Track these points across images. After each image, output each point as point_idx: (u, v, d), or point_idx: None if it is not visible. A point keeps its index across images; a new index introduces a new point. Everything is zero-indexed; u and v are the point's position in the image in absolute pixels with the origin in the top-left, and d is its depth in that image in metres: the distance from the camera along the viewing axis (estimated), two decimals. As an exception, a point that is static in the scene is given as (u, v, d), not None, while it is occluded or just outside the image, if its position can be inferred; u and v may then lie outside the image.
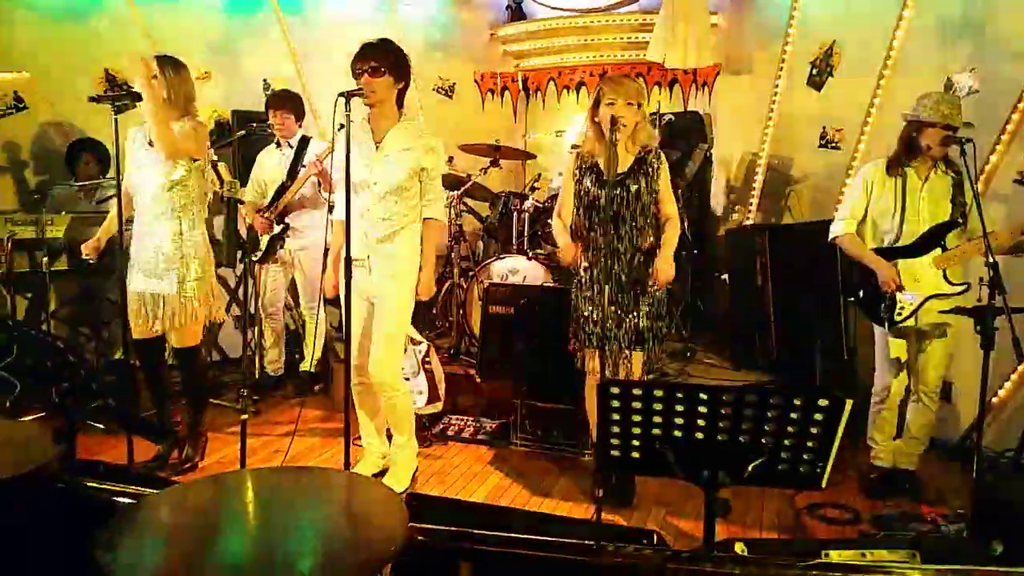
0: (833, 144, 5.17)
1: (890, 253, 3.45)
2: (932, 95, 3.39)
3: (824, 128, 5.20)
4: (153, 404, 3.84)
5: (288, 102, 4.75)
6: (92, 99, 3.39)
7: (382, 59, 3.24)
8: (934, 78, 4.26)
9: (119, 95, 3.37)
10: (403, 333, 3.55)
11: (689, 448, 1.98)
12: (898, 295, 3.39)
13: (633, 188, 3.32)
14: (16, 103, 5.17)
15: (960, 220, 3.36)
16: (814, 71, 5.26)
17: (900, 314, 3.39)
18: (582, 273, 3.48)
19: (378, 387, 3.49)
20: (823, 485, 1.97)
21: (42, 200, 4.60)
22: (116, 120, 3.26)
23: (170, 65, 3.48)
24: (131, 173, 3.56)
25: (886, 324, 3.43)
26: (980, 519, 2.92)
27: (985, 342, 2.90)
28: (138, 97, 3.40)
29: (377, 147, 3.36)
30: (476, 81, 6.68)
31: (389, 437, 3.69)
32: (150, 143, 3.50)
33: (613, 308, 3.32)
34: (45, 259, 4.46)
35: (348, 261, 3.13)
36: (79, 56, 5.32)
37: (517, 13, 6.60)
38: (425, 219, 3.46)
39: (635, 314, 3.36)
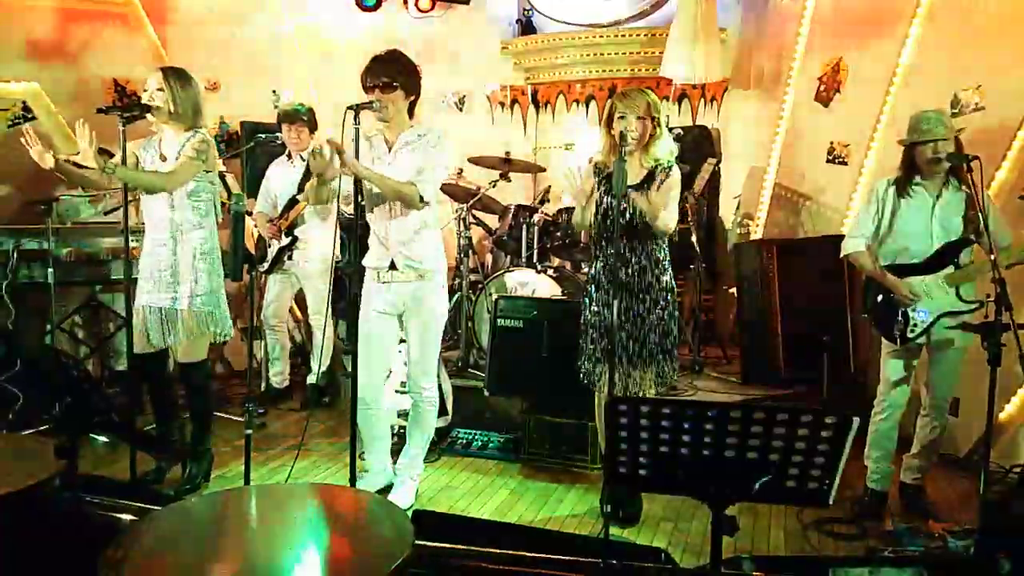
0: (840, 160, 5.17)
1: (903, 270, 3.43)
2: (918, 114, 3.39)
3: (831, 144, 5.20)
4: (156, 418, 3.83)
5: (302, 116, 4.76)
6: (100, 110, 3.36)
7: (393, 73, 3.23)
8: (941, 94, 4.26)
9: (128, 106, 3.35)
10: (438, 341, 3.54)
11: (696, 465, 1.97)
12: (910, 312, 3.37)
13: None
14: (24, 113, 5.21)
15: (973, 237, 3.34)
16: (821, 87, 5.27)
17: (913, 331, 3.38)
18: (591, 285, 3.48)
19: (413, 393, 3.55)
20: (830, 502, 1.96)
21: (48, 211, 4.60)
22: (124, 131, 3.25)
23: (175, 77, 3.47)
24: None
25: (898, 340, 3.41)
26: (987, 535, 2.91)
27: (992, 358, 2.89)
28: (147, 109, 3.41)
29: (390, 150, 3.36)
30: (486, 95, 6.70)
31: (394, 453, 3.69)
32: (162, 156, 3.51)
33: (621, 320, 3.30)
34: (50, 270, 4.46)
35: (360, 276, 3.12)
36: (88, 66, 5.36)
37: (527, 27, 6.62)
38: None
39: (644, 329, 3.35)
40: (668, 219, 3.25)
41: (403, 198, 3.25)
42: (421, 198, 3.26)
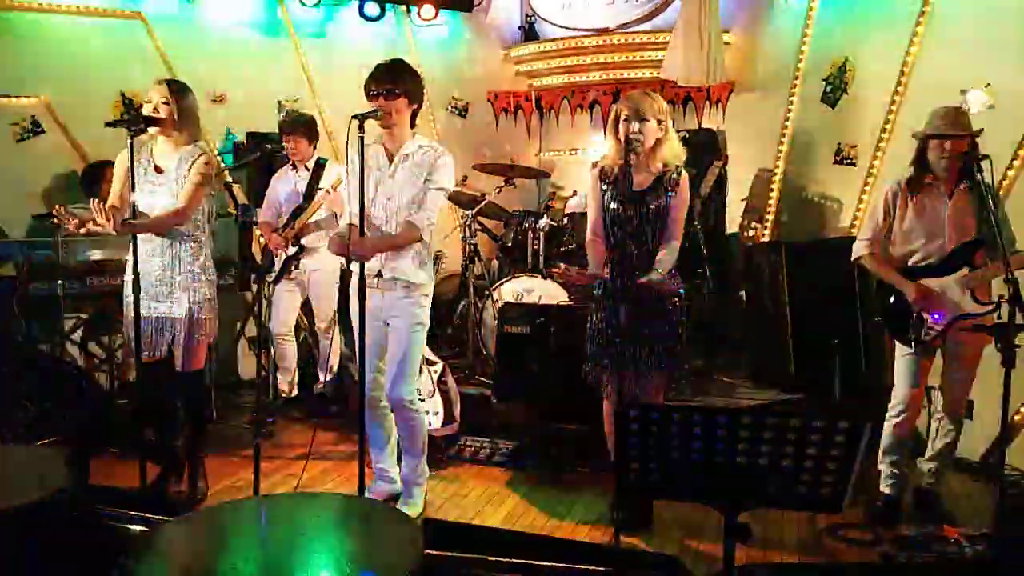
0: (848, 160, 5.15)
1: (916, 272, 3.39)
2: (936, 109, 3.36)
3: (839, 144, 5.18)
4: (158, 427, 3.82)
5: (300, 127, 4.76)
6: (108, 124, 3.38)
7: (396, 81, 3.25)
8: (948, 94, 4.22)
9: (135, 119, 3.38)
10: (419, 351, 3.52)
11: (708, 472, 1.95)
12: (925, 315, 3.33)
13: (652, 205, 3.30)
14: (34, 127, 5.24)
15: (987, 238, 3.28)
16: (828, 88, 5.24)
17: (928, 334, 3.33)
18: (597, 291, 3.45)
19: (395, 407, 3.48)
20: (843, 508, 1.93)
21: (56, 224, 4.62)
22: (131, 144, 3.27)
23: (178, 90, 3.51)
24: (137, 196, 3.55)
25: (912, 343, 3.37)
26: (1004, 540, 2.87)
27: (1005, 360, 2.86)
28: (153, 121, 3.43)
29: (391, 163, 3.37)
30: (490, 101, 6.70)
31: (399, 460, 3.68)
32: (156, 168, 3.52)
33: (629, 326, 3.27)
34: (59, 282, 4.48)
35: (362, 281, 3.12)
36: (95, 79, 5.39)
37: (530, 33, 6.62)
38: (405, 219, 3.33)
39: (651, 334, 3.32)
40: (677, 234, 3.35)
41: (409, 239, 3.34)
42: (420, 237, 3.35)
